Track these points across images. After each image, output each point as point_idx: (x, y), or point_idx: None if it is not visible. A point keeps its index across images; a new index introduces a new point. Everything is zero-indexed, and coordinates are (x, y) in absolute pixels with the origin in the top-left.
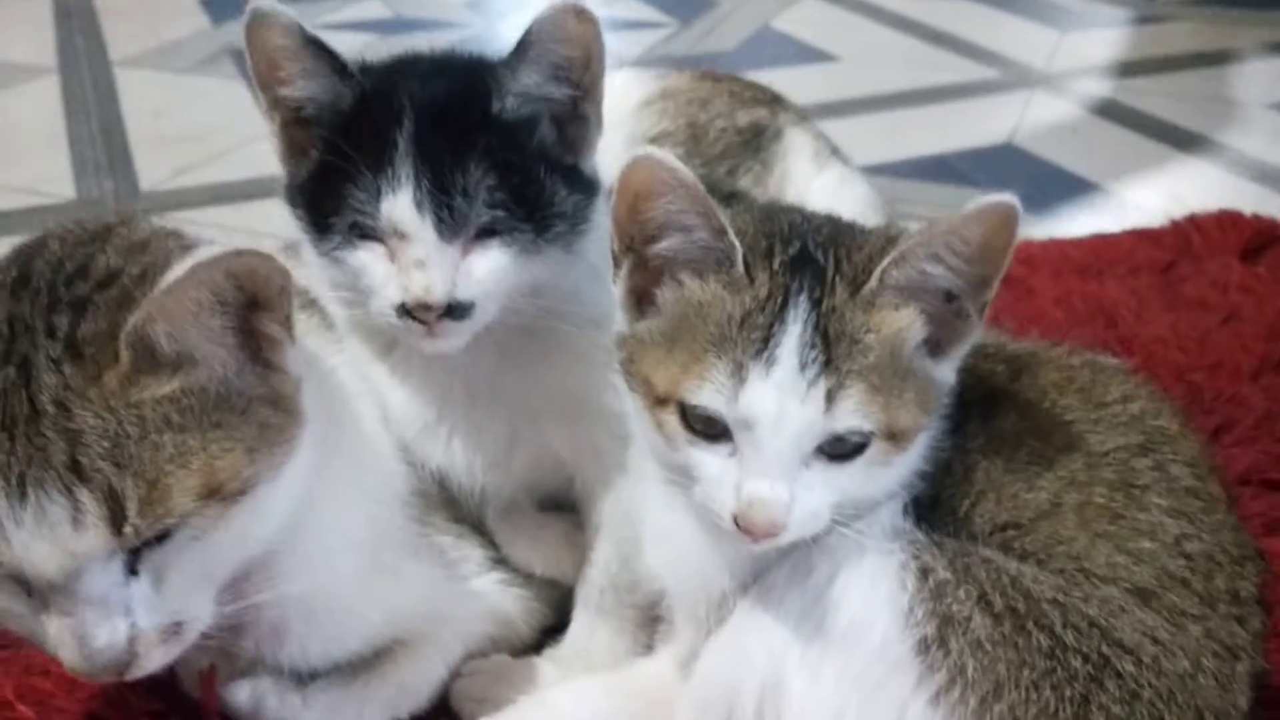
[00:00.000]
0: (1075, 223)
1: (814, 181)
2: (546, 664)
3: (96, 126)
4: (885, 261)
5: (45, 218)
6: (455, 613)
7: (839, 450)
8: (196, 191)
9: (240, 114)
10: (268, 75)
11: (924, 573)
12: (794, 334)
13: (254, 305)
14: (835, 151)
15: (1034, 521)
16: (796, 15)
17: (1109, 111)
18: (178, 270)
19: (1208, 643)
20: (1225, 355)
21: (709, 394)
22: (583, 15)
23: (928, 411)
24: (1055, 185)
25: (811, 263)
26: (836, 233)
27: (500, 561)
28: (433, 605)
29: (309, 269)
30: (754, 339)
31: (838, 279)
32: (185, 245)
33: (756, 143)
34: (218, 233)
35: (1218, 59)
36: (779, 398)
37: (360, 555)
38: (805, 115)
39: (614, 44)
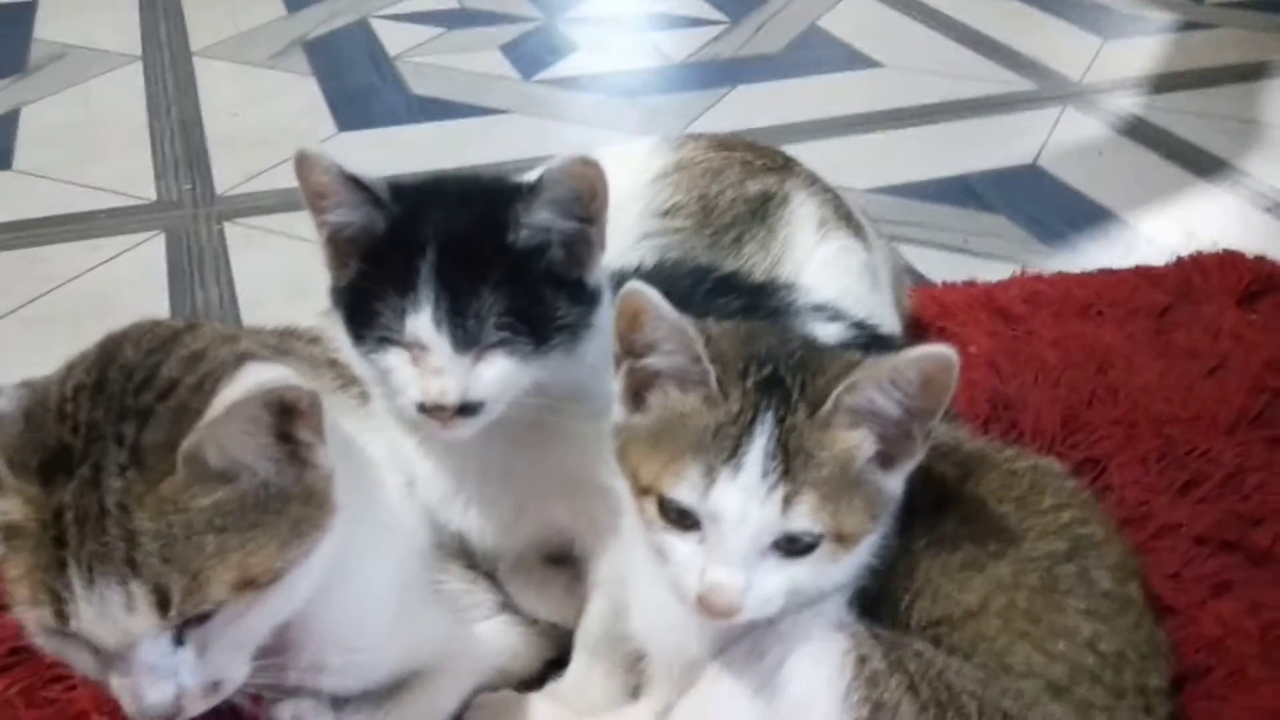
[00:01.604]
0: (1085, 256)
1: (815, 252)
2: (545, 701)
3: (176, 122)
4: (839, 388)
5: (128, 222)
6: (468, 650)
7: (793, 548)
8: (268, 196)
9: (310, 115)
10: (314, 202)
11: (862, 661)
12: (759, 445)
13: (289, 415)
14: (842, 212)
15: (963, 619)
16: (844, 13)
17: (1136, 132)
18: (223, 402)
19: None
20: (1205, 408)
21: (684, 490)
22: (588, 163)
23: (875, 518)
24: (1072, 213)
25: (780, 384)
26: (806, 358)
27: (508, 605)
28: (448, 643)
29: (345, 346)
30: (725, 447)
31: (800, 401)
32: (239, 354)
33: (763, 210)
34: (285, 241)
35: (1254, 73)
36: (743, 498)
37: (385, 603)
38: (814, 178)
39: (663, 44)
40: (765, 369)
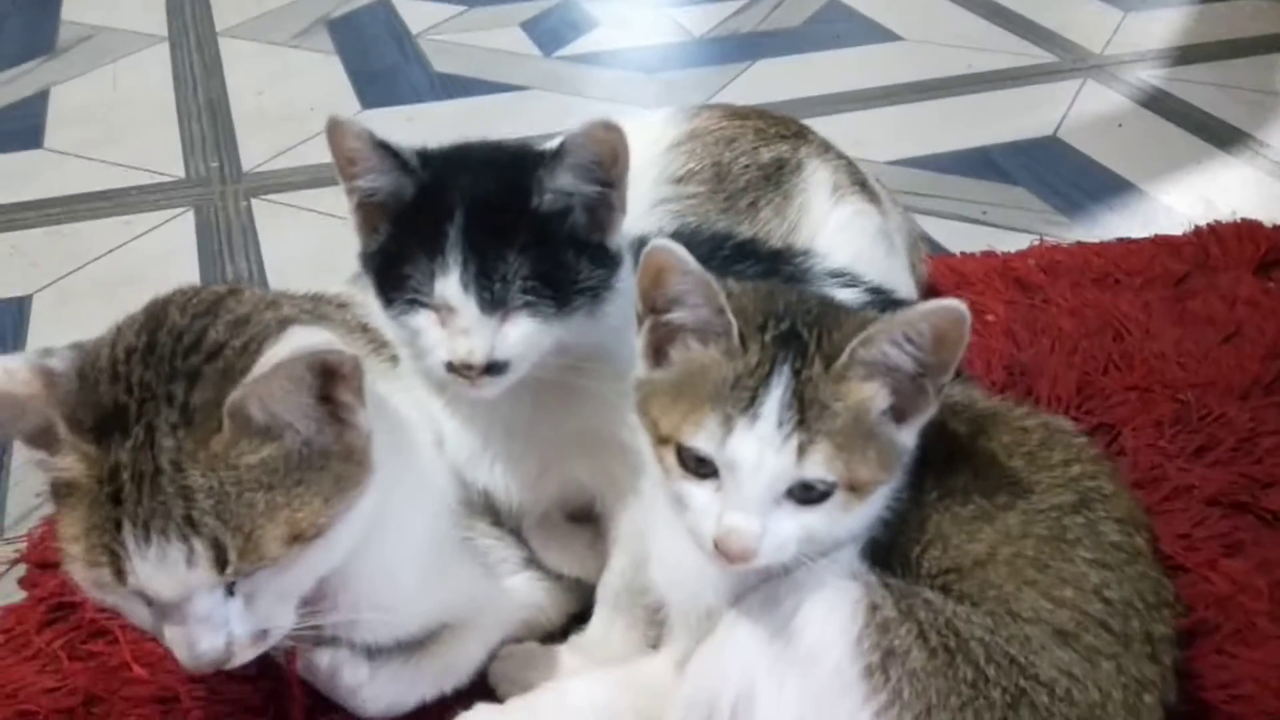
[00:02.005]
0: (1104, 227)
1: (830, 217)
2: (569, 653)
3: (203, 101)
4: (854, 342)
5: (157, 198)
6: (494, 604)
7: (807, 496)
8: (295, 173)
9: (333, 93)
10: (345, 168)
11: (873, 609)
12: (775, 396)
13: (331, 377)
14: (857, 179)
15: (972, 568)
16: None
17: (1157, 104)
18: (270, 362)
19: (1119, 677)
20: (1220, 374)
21: (702, 439)
22: (610, 127)
23: (888, 469)
24: (1092, 184)
25: (797, 338)
26: (823, 314)
27: (533, 561)
28: (476, 598)
29: (375, 310)
30: (742, 398)
31: (816, 354)
32: (282, 318)
33: (778, 176)
34: (312, 217)
35: (1275, 44)
36: (759, 447)
37: (418, 559)
38: (828, 145)
39: (683, 19)
40: (783, 324)
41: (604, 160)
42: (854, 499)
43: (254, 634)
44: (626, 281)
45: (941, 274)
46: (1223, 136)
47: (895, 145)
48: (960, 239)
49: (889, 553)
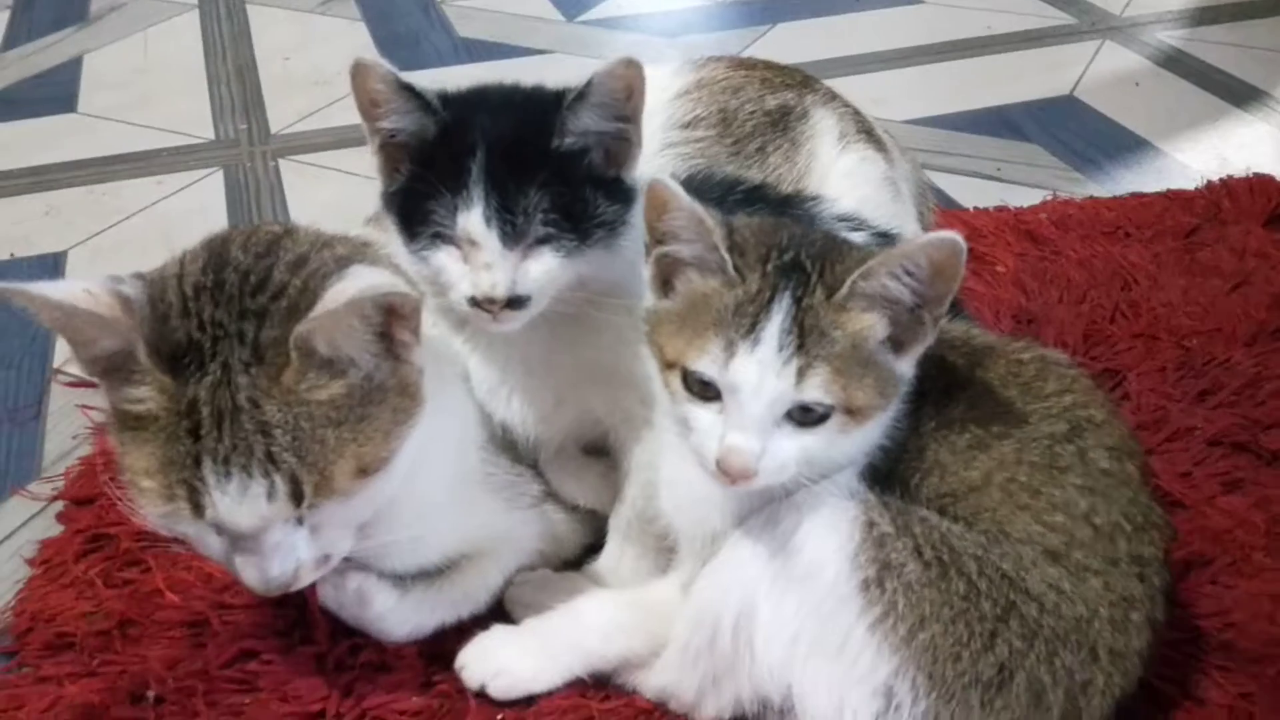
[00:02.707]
0: (1119, 183)
1: (836, 163)
2: (582, 578)
3: (231, 67)
4: (855, 274)
5: (187, 159)
6: (514, 533)
7: (806, 419)
8: (321, 134)
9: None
10: (368, 110)
11: (870, 526)
12: (776, 323)
13: (392, 315)
14: (863, 128)
15: (967, 493)
16: None
17: (1175, 64)
18: (339, 298)
19: (1106, 594)
20: (1226, 322)
21: (706, 363)
22: (631, 63)
23: (885, 396)
24: (1107, 142)
25: (800, 269)
26: (826, 248)
27: (551, 495)
28: (496, 528)
29: (397, 249)
30: (744, 324)
31: (818, 284)
32: (339, 257)
33: (785, 123)
34: (338, 176)
35: None
36: (759, 370)
37: (448, 490)
38: (834, 94)
39: None
40: (787, 254)
41: (622, 96)
42: (851, 423)
43: (318, 559)
44: (640, 216)
45: (952, 227)
46: (1240, 95)
47: (913, 105)
48: (974, 195)
49: (888, 480)
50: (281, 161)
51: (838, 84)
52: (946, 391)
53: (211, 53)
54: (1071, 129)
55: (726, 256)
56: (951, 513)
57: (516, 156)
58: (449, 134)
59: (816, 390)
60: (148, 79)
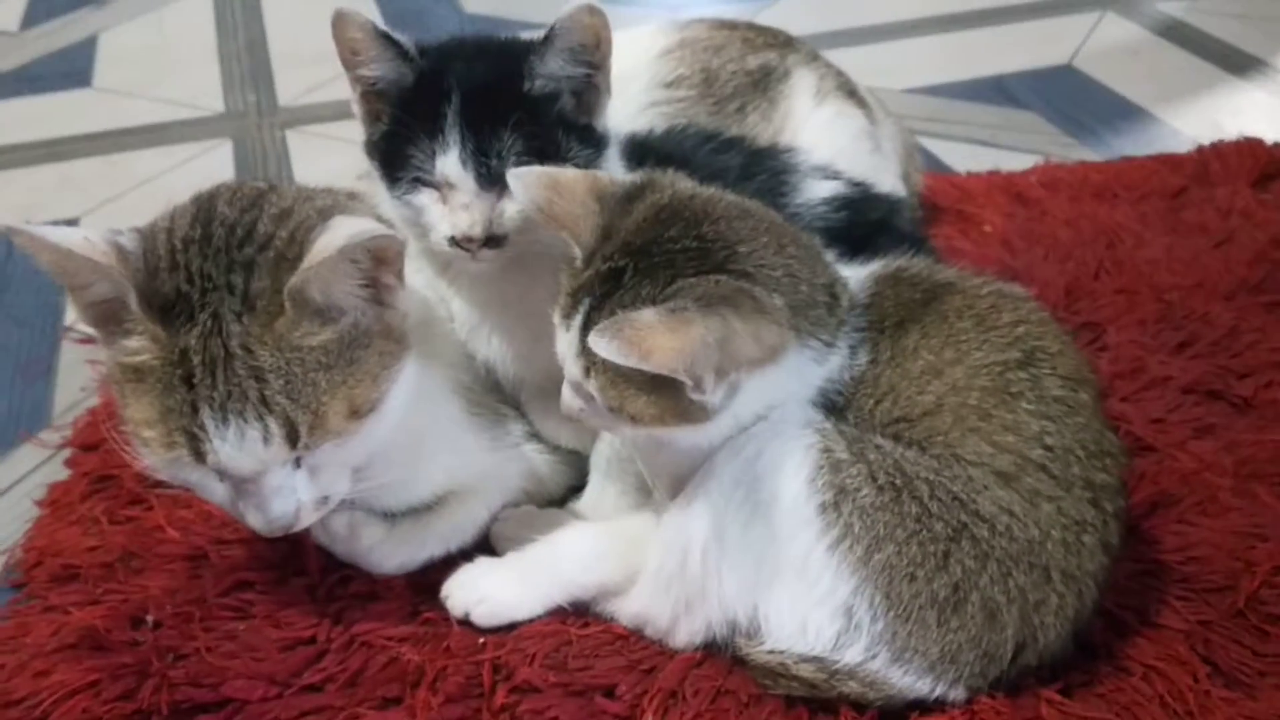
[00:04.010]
0: (1112, 149)
1: (811, 116)
2: (565, 514)
3: (243, 42)
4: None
5: (198, 131)
6: (498, 472)
7: None
8: (327, 107)
9: None
10: (348, 59)
11: (826, 452)
12: None
13: (379, 263)
14: (845, 87)
15: (920, 417)
16: None
17: (1174, 33)
18: (330, 246)
19: (1059, 518)
20: (1208, 277)
21: None
22: (594, 10)
23: None
24: (1103, 109)
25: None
26: None
27: (534, 435)
28: (481, 467)
29: (382, 199)
30: None
31: None
32: (321, 209)
33: (765, 83)
34: (341, 146)
35: None
36: None
37: (436, 433)
38: (816, 55)
39: None
40: None
41: (589, 43)
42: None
43: (317, 500)
44: (612, 164)
45: (944, 190)
46: (1237, 63)
47: (912, 75)
48: (968, 161)
49: (844, 411)
50: (289, 132)
51: (840, 56)
52: (901, 325)
53: (224, 29)
54: (1068, 97)
55: None
56: (906, 438)
57: (490, 101)
58: (426, 81)
59: None
60: (162, 55)
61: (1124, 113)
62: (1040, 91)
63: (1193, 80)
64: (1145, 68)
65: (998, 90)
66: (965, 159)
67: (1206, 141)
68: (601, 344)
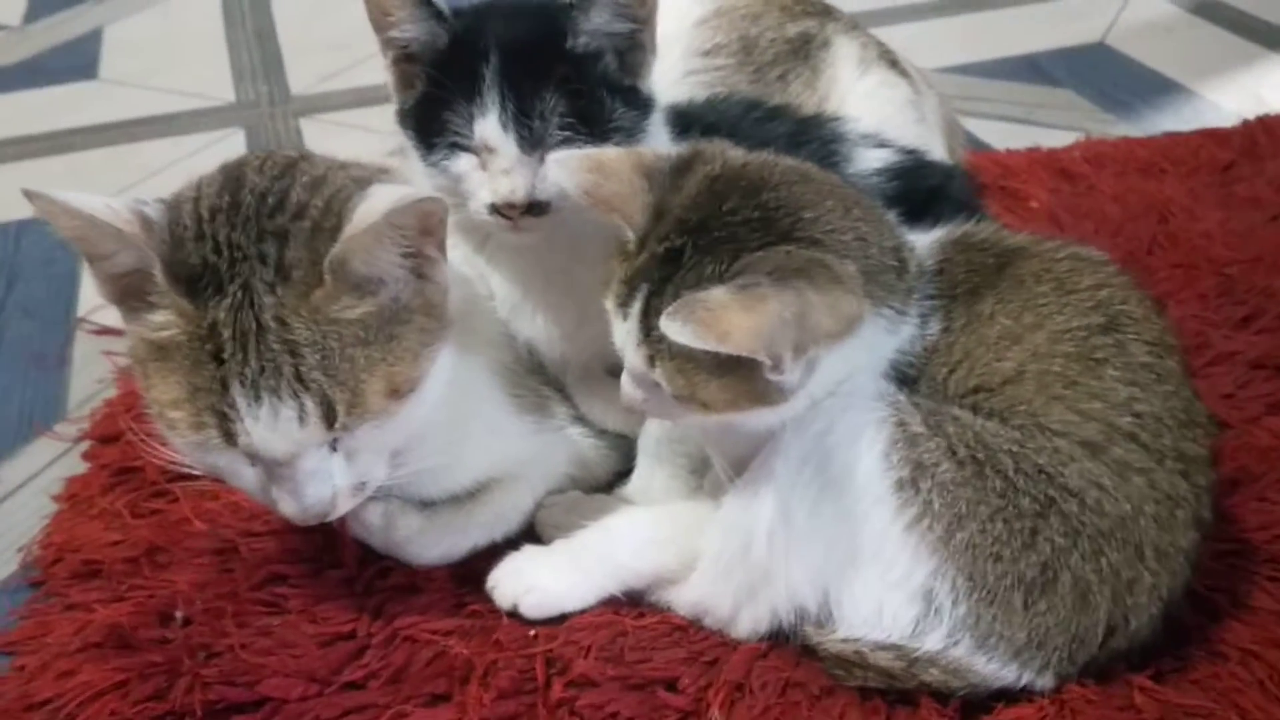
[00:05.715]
0: (1153, 126)
1: (856, 85)
2: (612, 499)
3: (251, 31)
4: None
5: (209, 120)
6: (542, 458)
7: None
8: (340, 95)
9: None
10: (380, 21)
11: (901, 425)
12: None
13: (422, 233)
14: (886, 57)
15: (1000, 386)
16: None
17: (1207, 9)
18: (372, 214)
19: (1151, 491)
20: (1266, 251)
21: None
22: None
23: None
24: (1139, 86)
25: None
26: None
27: (580, 418)
28: (525, 452)
29: (416, 175)
30: None
31: None
32: (355, 178)
33: (805, 50)
34: (359, 134)
35: None
36: None
37: (478, 413)
38: (855, 24)
39: None
40: None
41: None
42: None
43: (354, 486)
44: (657, 131)
45: (985, 166)
46: (1275, 39)
47: (942, 55)
48: (1005, 138)
49: (919, 379)
50: (303, 120)
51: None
52: (974, 291)
53: (232, 19)
54: (1103, 74)
55: None
56: (985, 408)
57: (531, 60)
58: (461, 41)
59: None
60: (168, 46)
61: (1162, 89)
62: (1074, 69)
63: (1228, 55)
64: (1179, 44)
65: (1031, 68)
66: (1004, 136)
67: (1250, 116)
68: (674, 328)
